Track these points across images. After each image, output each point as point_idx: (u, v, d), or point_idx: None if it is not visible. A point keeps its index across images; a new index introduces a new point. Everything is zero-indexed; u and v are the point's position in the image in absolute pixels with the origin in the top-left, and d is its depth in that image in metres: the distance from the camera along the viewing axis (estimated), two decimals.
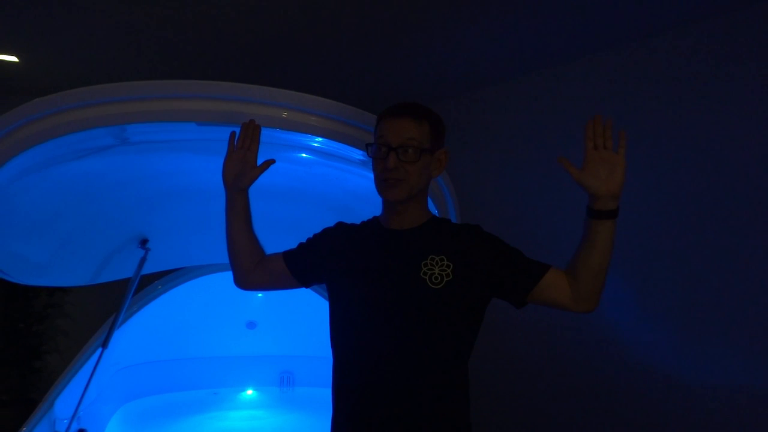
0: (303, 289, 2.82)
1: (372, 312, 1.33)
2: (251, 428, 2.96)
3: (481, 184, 3.94)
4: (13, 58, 3.53)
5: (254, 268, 1.53)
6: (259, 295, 3.25)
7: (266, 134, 1.56)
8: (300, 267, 1.51)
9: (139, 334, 2.90)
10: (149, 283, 2.73)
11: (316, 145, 1.63)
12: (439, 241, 1.34)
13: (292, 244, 2.49)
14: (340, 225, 1.53)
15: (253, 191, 2.08)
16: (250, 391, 3.22)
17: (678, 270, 2.81)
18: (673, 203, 2.83)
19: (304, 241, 1.54)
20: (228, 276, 2.83)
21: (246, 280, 1.56)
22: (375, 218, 1.49)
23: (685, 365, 2.76)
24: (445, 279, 1.28)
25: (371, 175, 1.74)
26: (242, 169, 1.44)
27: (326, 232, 1.52)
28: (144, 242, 2.25)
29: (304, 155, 1.78)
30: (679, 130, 2.82)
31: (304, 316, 3.08)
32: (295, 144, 1.66)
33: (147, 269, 2.34)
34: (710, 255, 2.67)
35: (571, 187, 1.27)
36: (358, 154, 1.64)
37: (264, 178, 2.01)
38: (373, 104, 2.12)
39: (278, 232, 2.42)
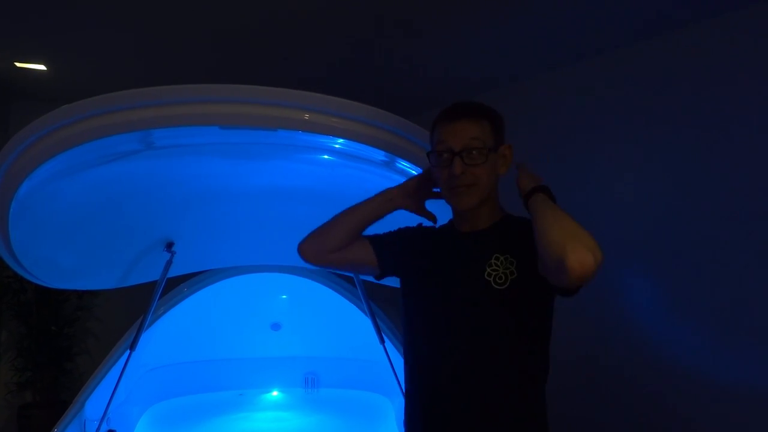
0: (327, 291, 2.85)
1: (437, 319, 1.29)
2: (276, 429, 2.98)
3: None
4: (42, 67, 3.61)
5: (338, 251, 1.44)
6: (284, 296, 3.27)
7: (288, 136, 1.56)
8: (386, 254, 1.44)
9: (166, 336, 2.93)
10: (175, 286, 2.76)
11: (337, 146, 1.62)
12: (506, 240, 1.28)
13: None
14: (420, 226, 1.49)
15: (277, 193, 2.09)
16: (275, 393, 3.24)
17: (708, 266, 2.75)
18: (705, 198, 2.77)
19: (386, 232, 1.49)
20: (252, 278, 2.87)
21: (323, 258, 1.46)
22: (450, 221, 1.45)
23: (717, 364, 2.69)
24: (510, 278, 1.23)
25: (394, 177, 1.73)
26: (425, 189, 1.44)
27: (408, 229, 1.48)
28: (170, 245, 2.27)
29: (326, 157, 1.77)
30: (709, 124, 2.76)
31: (328, 318, 3.09)
32: (317, 146, 1.66)
33: (173, 272, 2.36)
34: (742, 251, 2.61)
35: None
36: (380, 155, 1.63)
37: (287, 180, 2.02)
38: (393, 105, 2.11)
39: (301, 234, 2.43)
